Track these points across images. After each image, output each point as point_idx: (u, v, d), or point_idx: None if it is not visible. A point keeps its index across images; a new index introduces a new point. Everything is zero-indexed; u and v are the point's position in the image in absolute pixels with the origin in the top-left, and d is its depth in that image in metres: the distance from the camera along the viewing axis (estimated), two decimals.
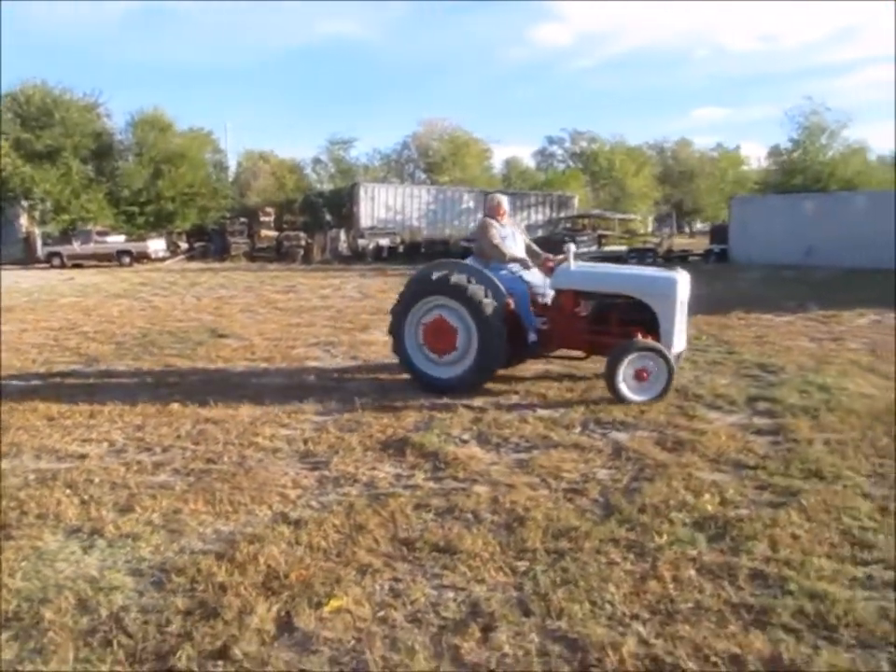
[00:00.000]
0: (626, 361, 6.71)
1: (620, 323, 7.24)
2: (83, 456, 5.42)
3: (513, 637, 3.01)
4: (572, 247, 7.57)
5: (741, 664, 2.84)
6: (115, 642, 2.96)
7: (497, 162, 55.41)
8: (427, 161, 45.62)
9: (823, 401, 6.74)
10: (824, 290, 17.21)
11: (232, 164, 44.25)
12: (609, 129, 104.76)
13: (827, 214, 26.09)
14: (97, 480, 4.88)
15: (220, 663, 2.83)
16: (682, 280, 7.23)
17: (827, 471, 4.93)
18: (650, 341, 6.91)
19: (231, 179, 41.86)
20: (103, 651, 2.92)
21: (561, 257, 7.63)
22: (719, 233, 30.95)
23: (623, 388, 6.77)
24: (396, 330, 7.61)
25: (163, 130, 35.80)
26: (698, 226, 60.89)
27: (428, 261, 8.78)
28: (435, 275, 7.43)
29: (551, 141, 61.11)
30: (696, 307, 13.92)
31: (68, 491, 4.66)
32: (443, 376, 7.37)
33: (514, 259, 7.60)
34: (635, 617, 3.16)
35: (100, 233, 30.18)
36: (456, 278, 7.21)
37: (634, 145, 57.20)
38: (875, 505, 4.37)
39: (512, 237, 7.85)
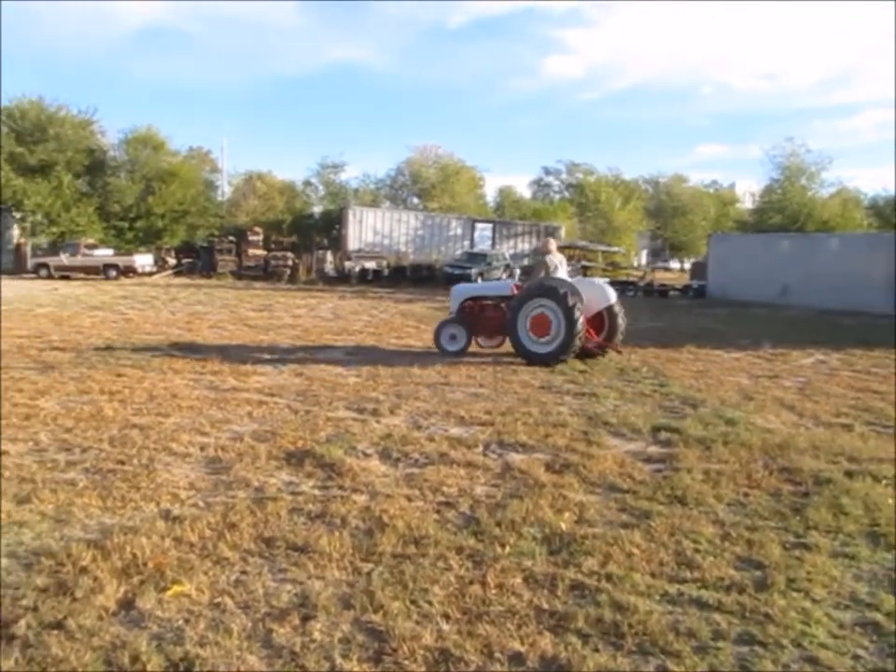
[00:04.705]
0: None
1: None
2: (3, 453, 5.77)
3: (327, 626, 3.36)
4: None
5: (519, 660, 3.19)
6: None
7: (491, 191, 56.33)
8: (419, 188, 46.33)
9: (722, 434, 7.10)
10: (786, 329, 17.62)
11: (227, 184, 45.09)
12: (608, 162, 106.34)
13: (803, 254, 26.58)
14: (7, 474, 5.24)
15: (54, 632, 3.18)
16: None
17: (691, 498, 5.28)
18: None
19: (224, 198, 42.53)
20: None
21: None
22: (698, 270, 31.47)
23: None
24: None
25: (156, 148, 36.47)
26: (690, 261, 61.62)
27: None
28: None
29: (547, 172, 62.11)
30: (651, 340, 14.49)
31: None
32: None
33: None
34: (445, 616, 3.50)
35: (88, 247, 30.62)
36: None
37: (629, 178, 58.08)
38: (720, 531, 4.71)
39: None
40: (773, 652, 3.31)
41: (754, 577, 4.05)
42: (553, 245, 12.48)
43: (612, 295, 11.96)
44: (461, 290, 13.06)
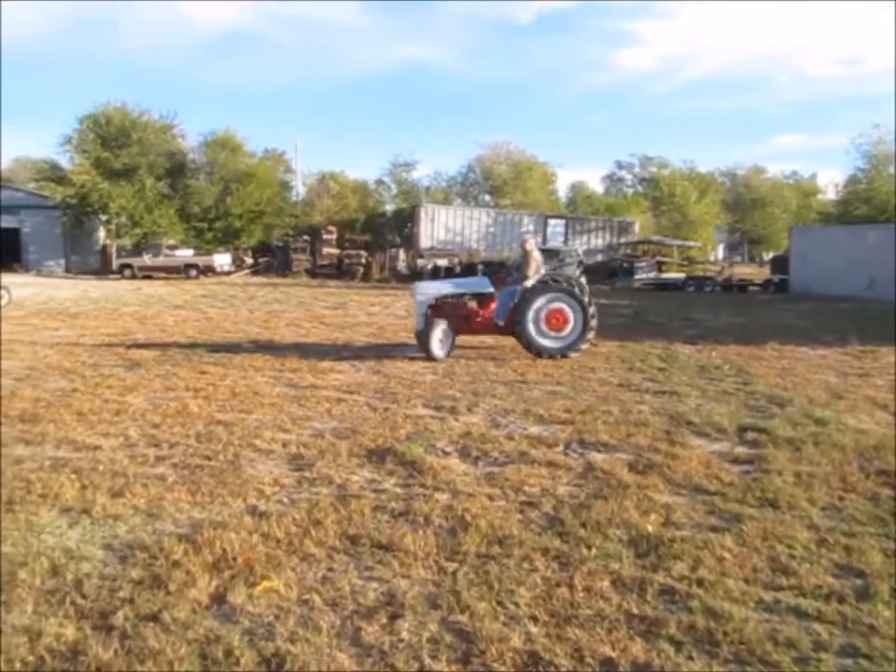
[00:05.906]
0: None
1: None
2: (97, 448, 6.00)
3: (415, 625, 3.35)
4: None
5: (612, 665, 3.11)
6: (69, 601, 3.45)
7: (564, 186, 55.77)
8: (490, 184, 46.26)
9: (813, 435, 6.81)
10: (874, 325, 16.83)
11: (301, 184, 46.00)
12: (683, 154, 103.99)
13: (891, 245, 25.28)
14: (101, 468, 5.43)
15: (151, 624, 3.26)
16: None
17: (783, 501, 5.08)
18: None
19: (298, 198, 43.38)
20: (57, 607, 3.41)
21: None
22: (779, 263, 30.45)
23: None
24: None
25: (234, 150, 37.43)
26: (769, 255, 59.67)
27: None
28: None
29: (620, 166, 60.97)
30: (732, 337, 14.09)
31: (73, 476, 5.23)
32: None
33: None
34: (532, 618, 3.45)
35: (170, 247, 31.79)
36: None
37: (704, 171, 56.55)
38: (816, 536, 4.51)
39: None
40: (879, 665, 3.15)
41: (855, 585, 3.86)
42: (532, 242, 12.99)
43: None
44: (426, 289, 12.23)
